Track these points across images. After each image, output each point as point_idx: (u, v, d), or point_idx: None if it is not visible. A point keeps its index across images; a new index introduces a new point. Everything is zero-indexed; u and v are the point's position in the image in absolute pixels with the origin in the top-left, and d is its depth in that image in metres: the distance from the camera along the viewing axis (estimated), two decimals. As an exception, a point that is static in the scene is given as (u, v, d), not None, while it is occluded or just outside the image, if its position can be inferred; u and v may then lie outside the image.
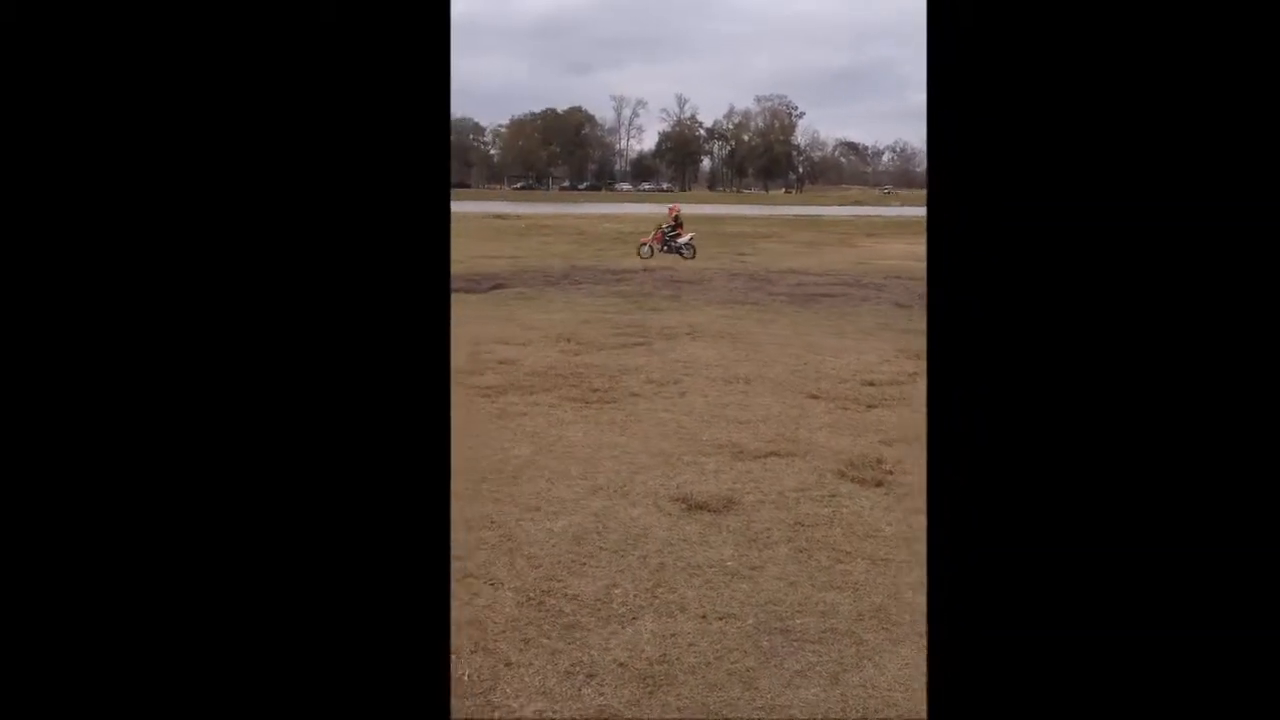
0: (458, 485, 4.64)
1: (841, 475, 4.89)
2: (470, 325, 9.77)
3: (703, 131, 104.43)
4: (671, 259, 17.48)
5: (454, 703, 2.71)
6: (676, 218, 18.06)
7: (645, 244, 17.63)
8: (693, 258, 17.08)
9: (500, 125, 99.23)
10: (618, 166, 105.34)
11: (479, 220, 31.82)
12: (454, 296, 10.66)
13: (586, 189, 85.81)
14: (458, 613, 3.25)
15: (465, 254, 18.99)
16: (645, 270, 16.06)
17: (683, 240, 17.57)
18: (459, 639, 3.06)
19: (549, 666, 2.90)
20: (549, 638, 3.09)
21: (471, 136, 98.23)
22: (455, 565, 3.66)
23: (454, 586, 3.47)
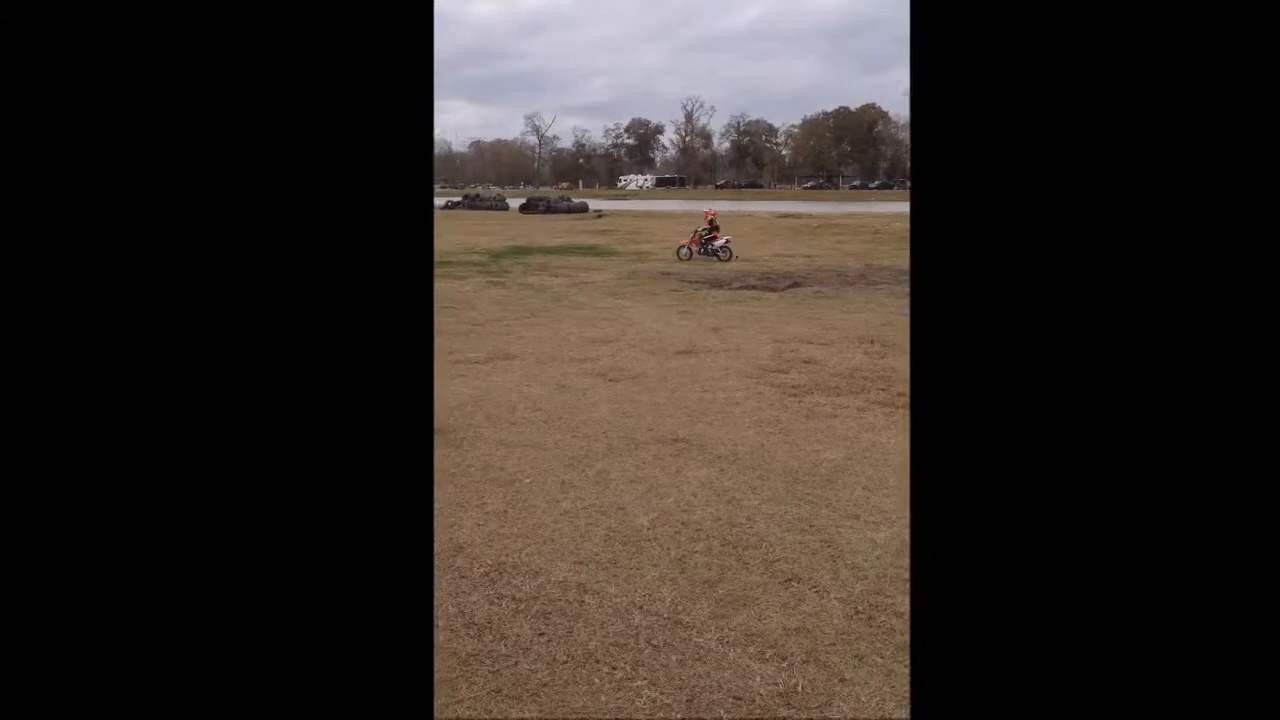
0: (771, 483, 4.55)
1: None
2: (772, 323, 9.70)
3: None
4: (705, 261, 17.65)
5: (784, 713, 2.60)
6: (712, 221, 18.36)
7: (684, 246, 18.18)
8: (730, 259, 17.39)
9: (793, 126, 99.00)
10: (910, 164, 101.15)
11: (770, 220, 31.88)
12: (752, 294, 10.65)
13: (877, 187, 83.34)
14: (784, 618, 3.14)
15: (761, 253, 19.03)
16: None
17: (719, 243, 17.87)
18: (789, 645, 2.94)
19: (886, 688, 2.70)
20: (882, 656, 2.88)
21: (765, 138, 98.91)
22: (777, 567, 3.56)
23: (778, 589, 3.36)
